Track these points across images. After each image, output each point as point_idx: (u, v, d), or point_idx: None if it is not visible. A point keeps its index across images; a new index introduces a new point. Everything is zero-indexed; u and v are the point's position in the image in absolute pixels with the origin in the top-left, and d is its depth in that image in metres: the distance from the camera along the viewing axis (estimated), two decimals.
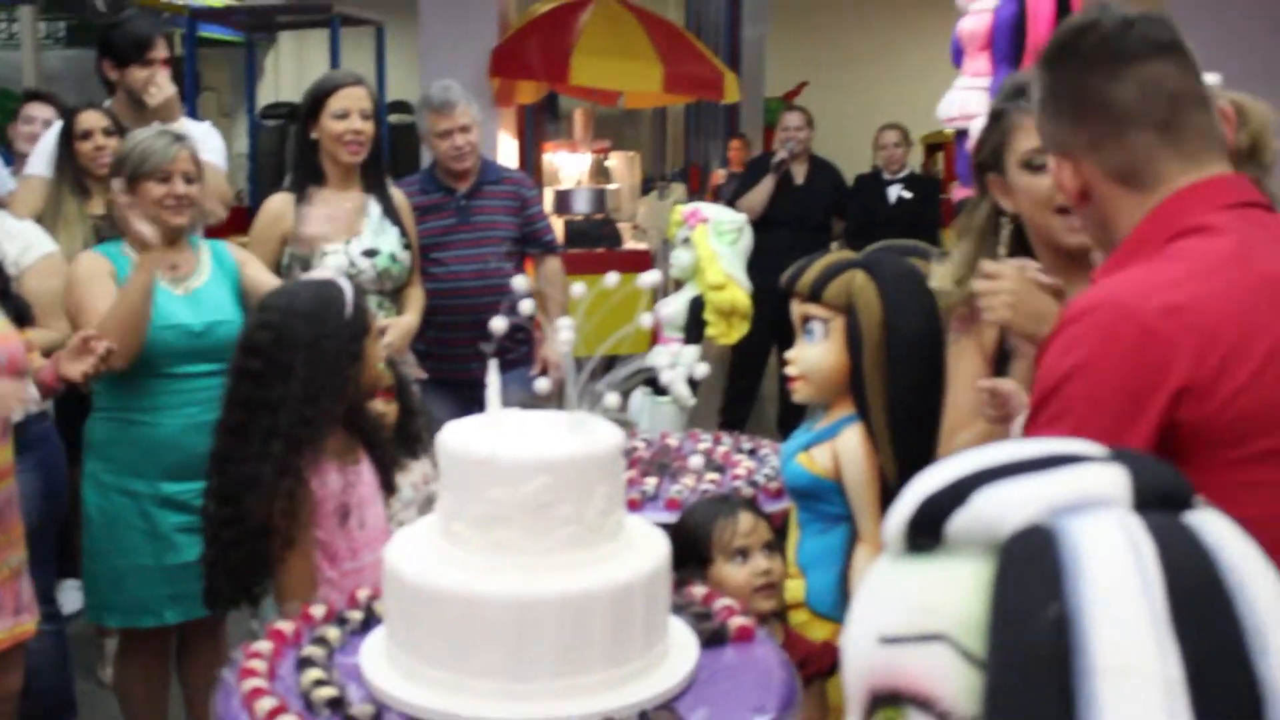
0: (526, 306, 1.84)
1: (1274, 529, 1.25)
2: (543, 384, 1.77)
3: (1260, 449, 1.51)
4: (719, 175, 10.63)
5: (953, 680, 0.75)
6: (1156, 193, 1.64)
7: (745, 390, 7.01)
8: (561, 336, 1.61)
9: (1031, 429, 1.59)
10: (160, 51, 4.19)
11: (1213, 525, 0.78)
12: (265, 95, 12.35)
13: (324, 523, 2.49)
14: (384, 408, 2.90)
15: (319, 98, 3.82)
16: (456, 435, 1.84)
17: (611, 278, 1.68)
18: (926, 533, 0.80)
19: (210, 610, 2.80)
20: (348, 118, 3.78)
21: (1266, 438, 1.51)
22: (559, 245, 4.75)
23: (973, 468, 0.81)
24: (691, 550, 2.46)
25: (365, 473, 2.62)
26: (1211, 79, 1.82)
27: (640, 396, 4.24)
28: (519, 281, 1.75)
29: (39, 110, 4.75)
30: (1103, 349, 1.53)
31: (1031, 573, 0.74)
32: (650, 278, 1.64)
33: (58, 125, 4.11)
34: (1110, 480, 0.78)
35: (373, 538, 2.55)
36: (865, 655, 0.81)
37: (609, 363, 1.79)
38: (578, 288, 1.73)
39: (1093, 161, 1.66)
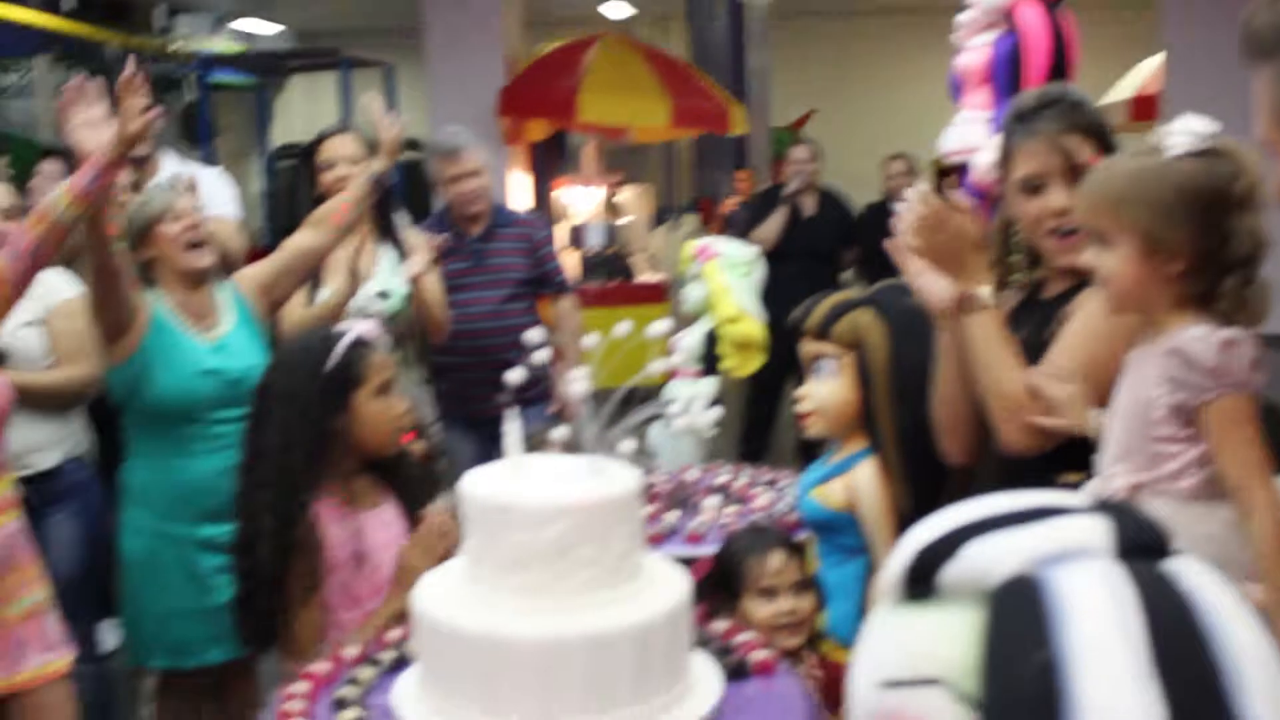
0: (540, 356, 1.91)
1: None
2: (560, 433, 1.83)
3: None
4: (729, 203, 10.67)
5: None
6: None
7: (763, 420, 7.03)
8: (574, 389, 1.67)
9: None
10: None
11: (1190, 572, 0.83)
12: (278, 137, 12.46)
13: (339, 569, 2.52)
14: (415, 447, 2.94)
15: (310, 154, 4.01)
16: (479, 482, 1.90)
17: (621, 327, 1.75)
18: (921, 583, 0.85)
19: (246, 650, 2.85)
20: (334, 167, 3.93)
21: None
22: (571, 284, 4.83)
23: (964, 520, 0.86)
24: (725, 581, 2.50)
25: (386, 516, 2.64)
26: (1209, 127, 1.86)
27: (659, 429, 4.28)
28: (532, 334, 1.81)
29: (51, 167, 4.90)
30: None
31: (1019, 621, 0.79)
32: (659, 327, 1.70)
33: None
34: (1092, 531, 0.83)
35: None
36: (868, 698, 0.86)
37: (630, 393, 1.85)
38: (589, 338, 1.80)
39: None
